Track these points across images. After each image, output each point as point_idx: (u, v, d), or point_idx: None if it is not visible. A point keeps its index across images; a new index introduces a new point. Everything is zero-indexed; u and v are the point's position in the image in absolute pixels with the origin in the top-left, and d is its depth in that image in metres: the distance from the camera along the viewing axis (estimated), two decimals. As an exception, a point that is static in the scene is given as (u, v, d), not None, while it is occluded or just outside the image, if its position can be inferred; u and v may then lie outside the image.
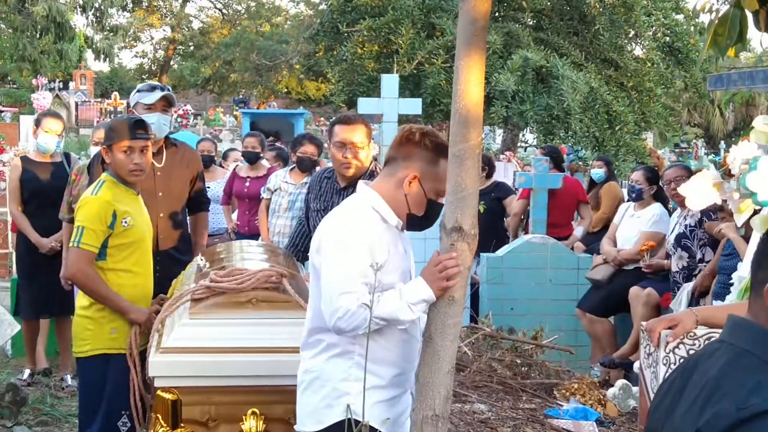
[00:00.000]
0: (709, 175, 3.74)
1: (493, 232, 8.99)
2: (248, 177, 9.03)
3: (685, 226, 7.00)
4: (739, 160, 3.67)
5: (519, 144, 21.05)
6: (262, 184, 8.53)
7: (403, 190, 3.48)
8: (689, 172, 7.28)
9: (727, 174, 3.81)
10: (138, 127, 4.74)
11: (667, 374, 3.55)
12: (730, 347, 1.93)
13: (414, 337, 3.56)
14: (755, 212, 3.86)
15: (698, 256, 6.95)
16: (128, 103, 6.00)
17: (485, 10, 3.40)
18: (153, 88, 5.75)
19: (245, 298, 3.98)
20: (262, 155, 9.34)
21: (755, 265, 2.00)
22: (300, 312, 3.84)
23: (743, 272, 3.93)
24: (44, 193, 7.17)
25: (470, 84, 3.39)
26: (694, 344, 3.56)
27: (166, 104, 5.72)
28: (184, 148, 6.01)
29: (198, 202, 6.06)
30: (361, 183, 3.63)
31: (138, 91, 5.81)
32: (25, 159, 7.41)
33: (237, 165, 9.64)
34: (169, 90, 5.87)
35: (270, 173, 8.66)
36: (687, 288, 6.76)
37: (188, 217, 6.04)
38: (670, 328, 3.50)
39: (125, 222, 4.60)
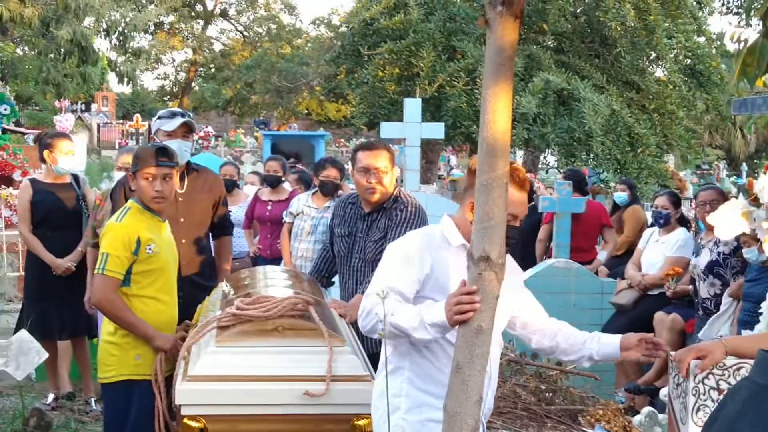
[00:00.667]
0: (737, 204, 3.72)
1: (526, 254, 9.02)
2: (270, 201, 9.05)
3: (719, 253, 6.88)
4: (767, 188, 3.65)
5: (540, 165, 21.03)
6: (284, 207, 8.54)
7: (469, 217, 3.54)
8: (723, 195, 7.21)
9: (753, 200, 3.79)
10: (161, 155, 4.76)
11: (696, 404, 3.54)
12: (754, 385, 1.91)
13: None
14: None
15: (731, 283, 6.84)
16: (150, 129, 6.03)
17: (512, 40, 3.39)
18: (173, 115, 5.77)
19: (272, 325, 3.98)
20: (283, 179, 9.36)
21: None
22: (325, 340, 3.84)
23: (773, 300, 3.91)
24: (55, 214, 7.19)
25: (497, 113, 3.39)
26: (723, 374, 3.53)
27: (187, 130, 5.75)
28: (206, 173, 6.01)
29: (221, 226, 6.05)
30: (445, 213, 3.80)
31: (159, 117, 5.84)
32: (34, 181, 7.41)
33: (259, 189, 9.66)
34: (189, 116, 5.90)
35: (292, 197, 8.69)
36: (719, 316, 6.68)
37: (212, 242, 6.04)
38: (698, 358, 3.47)
39: (149, 249, 4.62)
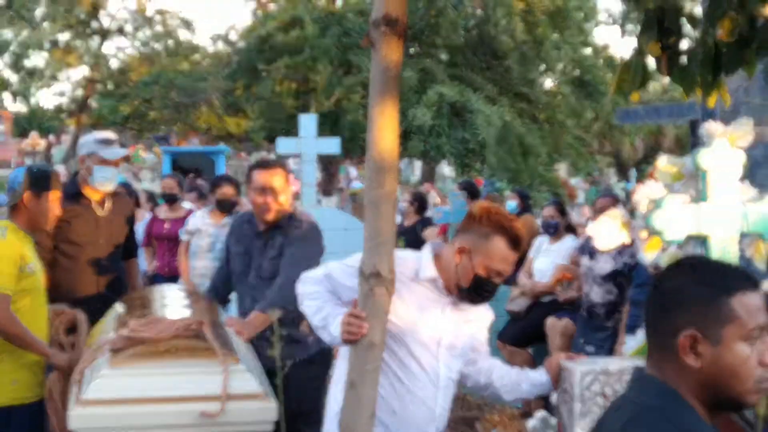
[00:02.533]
0: (617, 214, 3.85)
1: None
2: (167, 218, 8.99)
3: (624, 263, 7.00)
4: (645, 199, 3.79)
5: (437, 176, 21.27)
6: (181, 225, 8.51)
7: (455, 260, 3.57)
8: (618, 202, 7.42)
9: (632, 210, 3.92)
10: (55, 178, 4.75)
11: (582, 410, 3.65)
12: (633, 404, 1.97)
13: (424, 402, 3.65)
14: (664, 249, 3.98)
15: (627, 293, 6.97)
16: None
17: (397, 59, 3.47)
18: (111, 142, 5.76)
19: (165, 347, 3.96)
20: (180, 196, 9.31)
21: (653, 315, 2.05)
22: (219, 359, 3.85)
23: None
24: None
25: (384, 131, 3.46)
26: (609, 380, 3.65)
27: (122, 161, 5.78)
28: (122, 195, 6.11)
29: (130, 248, 6.08)
30: (431, 242, 3.82)
31: (96, 141, 5.75)
32: None
33: (156, 207, 9.59)
34: (126, 149, 5.93)
35: (189, 214, 8.67)
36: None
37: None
38: None
39: (30, 268, 4.56)
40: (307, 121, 8.12)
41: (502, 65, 15.17)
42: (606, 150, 35.23)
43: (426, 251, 3.71)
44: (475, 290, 3.58)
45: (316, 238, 5.23)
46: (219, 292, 5.69)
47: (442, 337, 3.64)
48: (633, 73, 3.44)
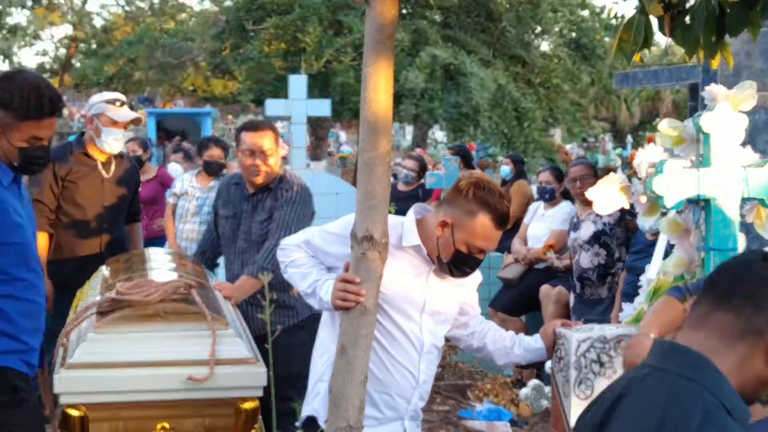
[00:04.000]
0: (615, 178, 3.77)
1: None
2: None
3: (604, 223, 6.95)
4: (645, 163, 3.71)
5: (429, 141, 21.15)
6: (153, 186, 8.52)
7: (437, 232, 3.49)
8: (593, 170, 7.35)
9: (632, 174, 3.84)
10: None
11: (578, 377, 3.58)
12: (665, 374, 1.88)
13: (407, 368, 3.59)
14: (663, 215, 3.91)
15: (616, 254, 6.92)
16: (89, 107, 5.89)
17: (392, 17, 3.37)
18: (122, 104, 5.77)
19: (153, 310, 3.88)
20: (144, 158, 9.19)
21: (731, 290, 1.92)
22: (208, 323, 3.78)
23: (651, 274, 3.98)
24: None
25: (378, 91, 3.36)
26: (605, 347, 3.59)
27: (131, 123, 5.83)
28: (128, 160, 6.11)
29: (134, 212, 6.15)
30: (416, 205, 3.72)
31: (106, 101, 5.71)
32: None
33: None
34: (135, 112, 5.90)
35: (160, 174, 8.71)
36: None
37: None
38: None
39: None
40: (297, 82, 8.01)
41: (497, 27, 15.00)
42: (602, 116, 35.13)
43: (409, 218, 3.62)
44: (455, 265, 3.51)
45: (306, 200, 5.15)
46: (207, 255, 5.62)
47: (426, 303, 3.58)
48: (635, 33, 3.33)
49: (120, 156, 5.92)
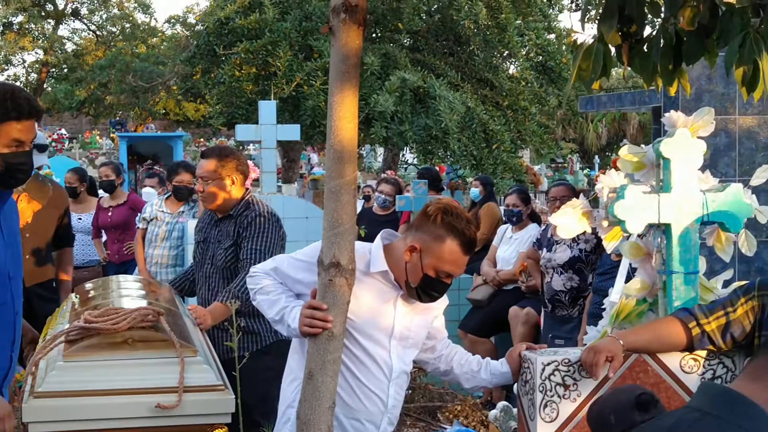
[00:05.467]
0: (577, 204, 3.84)
1: None
2: (110, 206, 8.98)
3: (580, 250, 7.00)
4: (607, 189, 3.78)
5: (399, 163, 21.21)
6: (124, 211, 8.57)
7: (405, 257, 3.54)
8: (574, 191, 7.41)
9: (594, 199, 3.91)
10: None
11: (544, 400, 3.63)
12: (719, 421, 1.85)
13: (376, 394, 3.63)
14: (625, 238, 3.97)
15: (589, 279, 6.98)
16: None
17: (357, 47, 3.42)
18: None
19: (121, 338, 3.89)
20: (116, 183, 9.21)
21: None
22: (176, 350, 3.79)
23: (614, 298, 4.04)
24: None
25: (344, 120, 3.42)
26: (569, 370, 3.63)
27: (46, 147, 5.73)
28: (53, 186, 5.99)
29: (63, 237, 6.06)
30: (384, 231, 3.75)
31: None
32: None
33: (101, 197, 9.47)
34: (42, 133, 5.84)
35: (131, 199, 8.76)
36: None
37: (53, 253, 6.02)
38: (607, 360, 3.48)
39: None
40: (267, 108, 8.08)
41: (465, 51, 15.11)
42: (570, 137, 35.39)
43: (377, 244, 3.67)
44: (423, 290, 3.56)
45: (273, 228, 5.19)
46: (189, 279, 5.64)
47: (394, 329, 3.63)
48: (594, 61, 3.41)
49: (39, 184, 5.83)
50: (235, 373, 3.72)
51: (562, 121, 24.81)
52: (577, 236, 6.93)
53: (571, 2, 17.56)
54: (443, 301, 3.82)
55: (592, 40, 3.46)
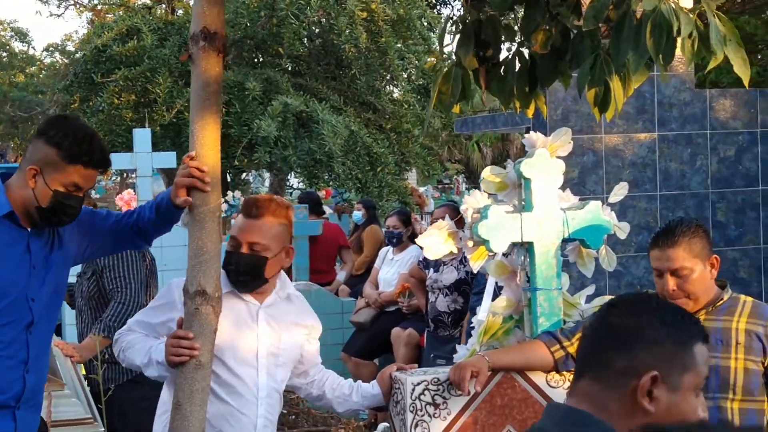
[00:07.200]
0: (443, 225, 3.89)
1: None
2: None
3: (467, 272, 7.05)
4: (471, 209, 3.84)
5: (285, 189, 21.17)
6: None
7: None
8: (457, 211, 7.46)
9: (459, 220, 3.97)
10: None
11: (414, 420, 3.67)
12: None
13: (245, 415, 3.60)
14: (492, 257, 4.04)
15: (471, 301, 7.03)
16: None
17: (217, 74, 3.43)
18: None
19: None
20: None
21: (602, 350, 1.95)
22: (44, 386, 3.73)
23: (482, 316, 4.11)
24: None
25: (206, 148, 3.42)
26: (438, 389, 3.68)
27: None
28: None
29: None
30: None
31: None
32: None
33: None
34: None
35: None
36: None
37: None
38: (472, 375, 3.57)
39: None
40: (142, 136, 8.02)
41: (347, 75, 15.19)
42: (456, 158, 35.83)
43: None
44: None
45: (130, 257, 5.12)
46: None
47: (260, 347, 3.64)
48: (453, 85, 3.47)
49: None
50: (104, 404, 3.65)
51: (447, 143, 25.08)
52: (464, 258, 7.03)
53: (452, 25, 17.79)
54: (317, 326, 3.87)
55: (451, 65, 3.53)
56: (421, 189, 22.04)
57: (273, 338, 3.67)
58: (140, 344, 3.60)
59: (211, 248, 3.37)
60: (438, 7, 17.12)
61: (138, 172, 7.90)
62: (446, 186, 31.29)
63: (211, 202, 3.40)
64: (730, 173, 6.43)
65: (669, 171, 6.33)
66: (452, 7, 17.99)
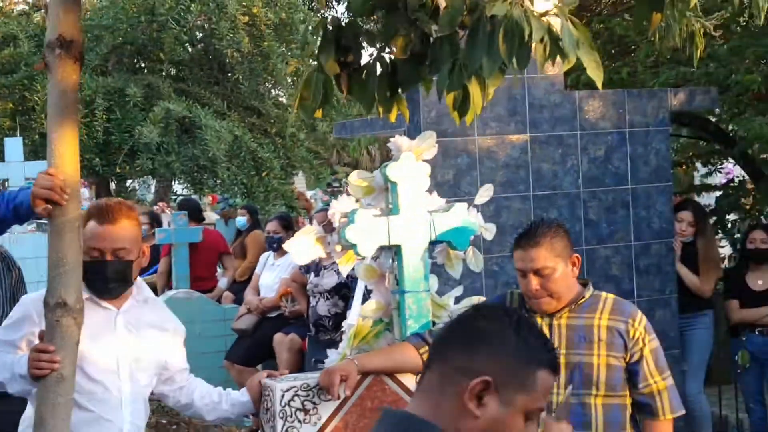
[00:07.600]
0: (311, 230, 3.91)
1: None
2: None
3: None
4: (338, 214, 3.86)
5: (170, 195, 20.90)
6: None
7: None
8: None
9: (328, 224, 3.99)
10: None
11: (285, 427, 3.66)
12: None
13: (110, 421, 3.53)
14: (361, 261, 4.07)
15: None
16: None
17: (74, 82, 3.38)
18: None
19: None
20: None
21: (449, 348, 1.94)
22: None
23: (352, 320, 4.13)
24: None
25: (65, 157, 3.36)
26: (308, 395, 3.69)
27: None
28: None
29: None
30: None
31: None
32: None
33: None
34: None
35: None
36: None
37: None
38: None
39: None
40: (13, 145, 7.85)
41: (230, 79, 15.09)
42: (345, 161, 35.85)
43: None
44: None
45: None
46: None
47: (120, 352, 3.59)
48: (314, 90, 3.47)
49: None
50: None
51: (336, 146, 25.06)
52: None
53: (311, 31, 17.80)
54: (180, 330, 3.83)
55: (312, 70, 3.53)
56: (309, 193, 22.01)
57: (133, 342, 3.62)
58: (1, 360, 3.51)
59: (71, 259, 3.31)
60: (322, 11, 17.06)
61: (10, 182, 7.72)
62: (336, 189, 31.28)
63: (70, 213, 3.34)
64: (600, 173, 6.58)
65: (541, 171, 6.44)
66: (336, 11, 17.99)
